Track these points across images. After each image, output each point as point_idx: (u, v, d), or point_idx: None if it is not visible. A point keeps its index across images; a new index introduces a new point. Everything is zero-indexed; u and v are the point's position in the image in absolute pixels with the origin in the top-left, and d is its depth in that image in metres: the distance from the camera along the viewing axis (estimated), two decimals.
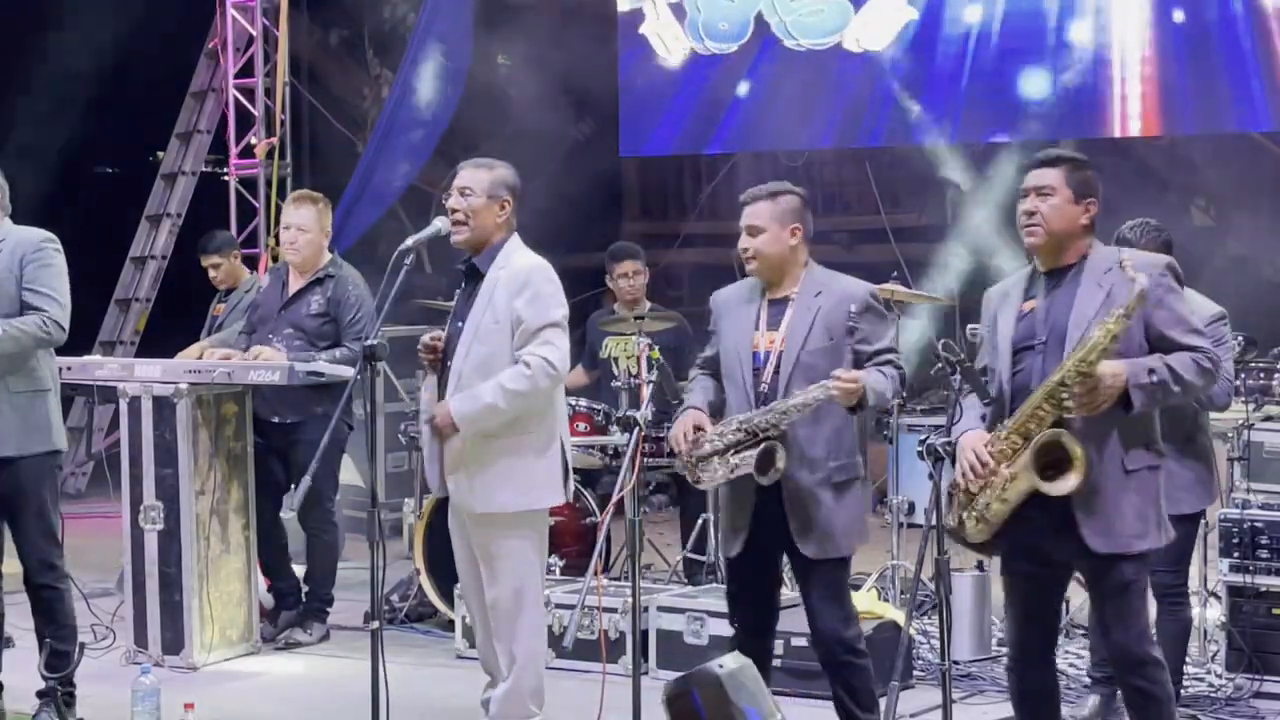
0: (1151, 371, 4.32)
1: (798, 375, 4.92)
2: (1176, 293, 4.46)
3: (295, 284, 7.09)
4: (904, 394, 5.12)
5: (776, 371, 4.96)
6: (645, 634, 6.34)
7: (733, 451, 4.92)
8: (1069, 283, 4.50)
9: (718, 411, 5.08)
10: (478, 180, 5.33)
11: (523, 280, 5.25)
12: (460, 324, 5.31)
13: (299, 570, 7.34)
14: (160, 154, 12.43)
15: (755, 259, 5.06)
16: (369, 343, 4.85)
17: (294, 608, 7.18)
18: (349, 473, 9.64)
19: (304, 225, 7.02)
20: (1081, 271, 4.50)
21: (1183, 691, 5.77)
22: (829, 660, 5.05)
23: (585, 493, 7.20)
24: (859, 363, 4.93)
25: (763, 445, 4.86)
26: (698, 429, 5.00)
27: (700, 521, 7.50)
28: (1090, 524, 4.37)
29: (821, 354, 4.93)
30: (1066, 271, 4.52)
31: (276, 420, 6.99)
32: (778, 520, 4.93)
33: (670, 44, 10.79)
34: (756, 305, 5.09)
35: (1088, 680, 5.81)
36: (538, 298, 5.24)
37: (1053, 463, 4.35)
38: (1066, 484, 4.32)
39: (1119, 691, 5.79)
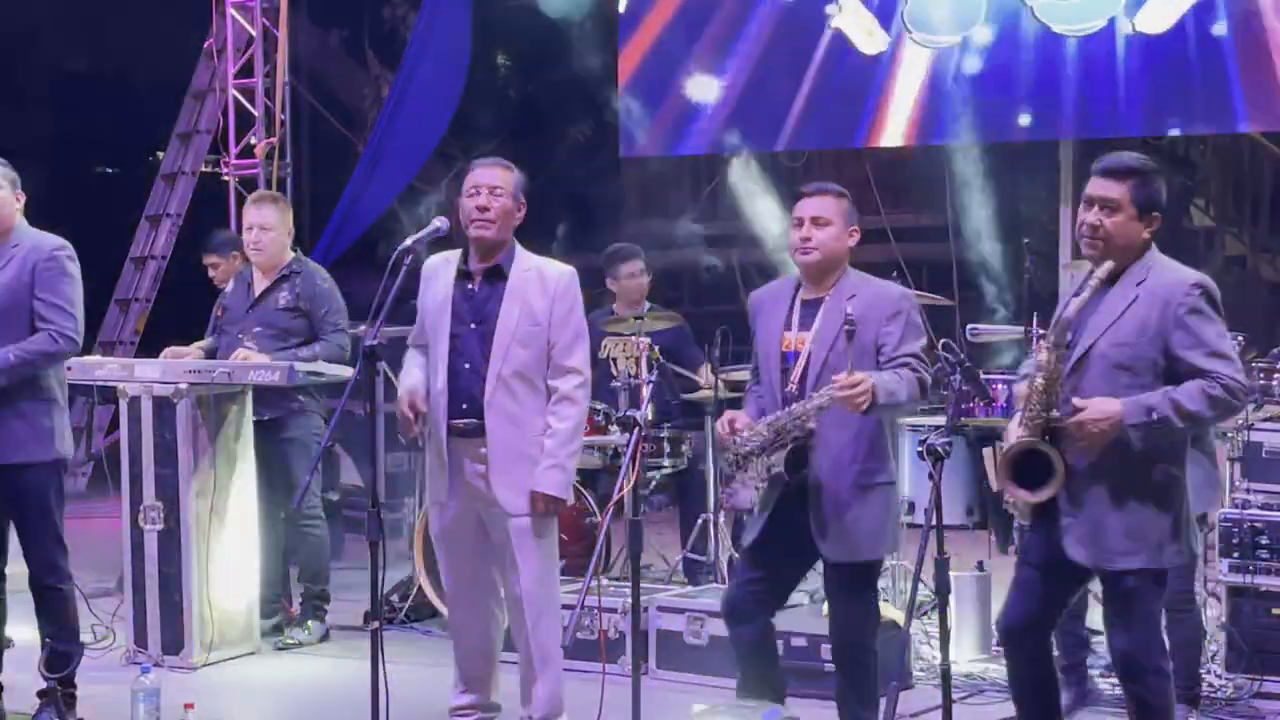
0: (1151, 410, 4.27)
1: (826, 376, 4.86)
2: (1202, 313, 4.35)
3: (261, 283, 7.10)
4: (925, 400, 5.05)
5: (804, 373, 4.94)
6: (645, 634, 6.34)
7: (766, 452, 4.90)
8: (1107, 289, 4.45)
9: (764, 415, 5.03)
10: (506, 180, 5.35)
11: (564, 285, 5.34)
12: (473, 325, 5.32)
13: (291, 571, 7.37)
14: (160, 154, 12.44)
15: (818, 249, 4.97)
16: (369, 343, 4.84)
17: (272, 615, 7.19)
18: (349, 473, 9.67)
19: (267, 224, 7.04)
20: (1120, 281, 4.43)
21: (1199, 695, 5.77)
22: (837, 654, 5.08)
23: (585, 493, 7.20)
24: (878, 366, 4.88)
25: (790, 446, 4.87)
26: (735, 427, 4.95)
27: (700, 521, 7.50)
28: (1075, 533, 4.39)
29: (848, 356, 4.85)
30: (1117, 276, 4.45)
31: (255, 419, 6.99)
32: (799, 521, 4.92)
33: (866, 37, 9.80)
34: (788, 304, 5.05)
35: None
36: (575, 306, 5.36)
37: (1039, 468, 4.38)
38: (1040, 494, 4.36)
39: (1086, 676, 5.84)
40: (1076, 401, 4.31)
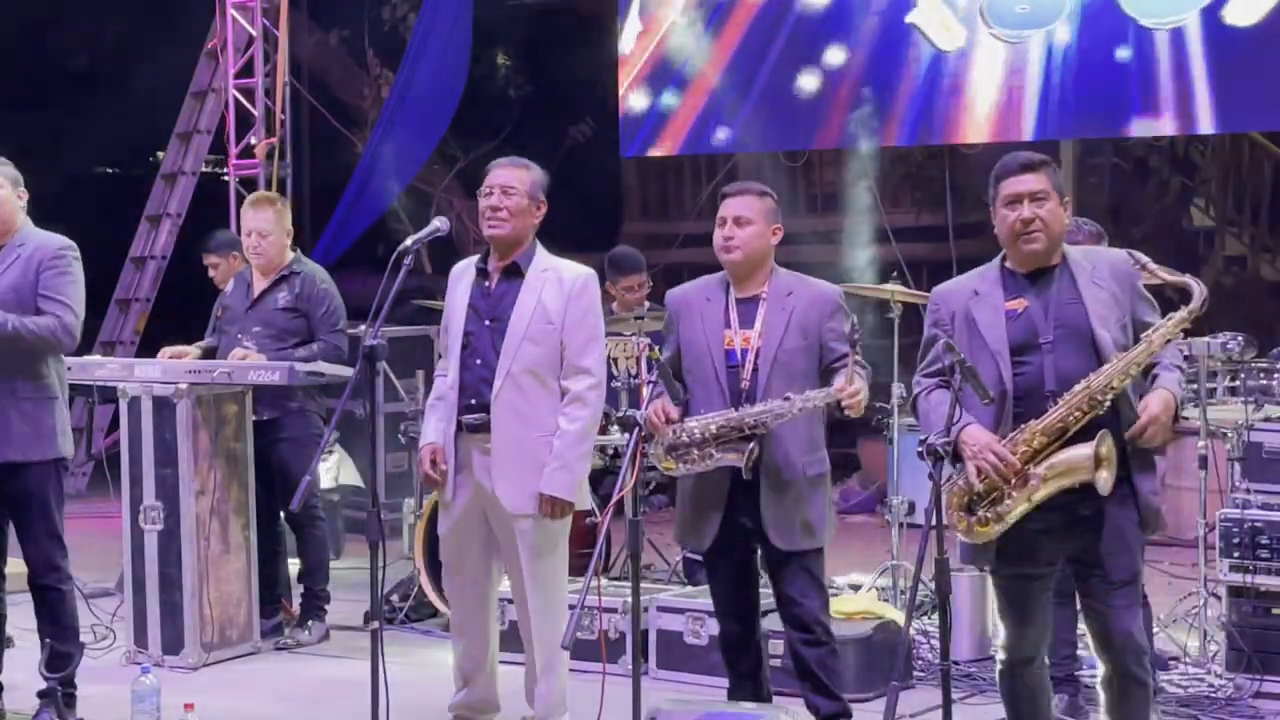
0: (1179, 381, 4.45)
1: (776, 374, 5.04)
2: (1139, 277, 4.59)
3: (260, 284, 7.11)
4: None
5: (755, 370, 5.06)
6: (645, 634, 6.34)
7: (715, 445, 4.99)
8: (1058, 281, 4.53)
9: (682, 408, 5.15)
10: (520, 179, 5.38)
11: (581, 286, 5.35)
12: (488, 322, 5.33)
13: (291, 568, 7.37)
14: (160, 154, 12.43)
15: (740, 249, 5.13)
16: (369, 343, 4.85)
17: (273, 616, 7.18)
18: (349, 473, 9.66)
19: (264, 229, 7.04)
20: (1067, 271, 4.54)
21: (1164, 677, 5.80)
22: (808, 643, 5.14)
23: (585, 493, 7.18)
24: (827, 362, 5.07)
25: (753, 441, 4.96)
26: (672, 416, 5.09)
27: None
28: (1133, 505, 4.46)
29: (797, 353, 5.07)
30: (1050, 271, 4.56)
31: (254, 419, 6.98)
32: (751, 514, 5.06)
33: (943, 32, 9.62)
34: (723, 303, 5.17)
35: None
36: (591, 308, 5.38)
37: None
38: (1108, 481, 4.37)
39: (1079, 689, 5.84)
40: (1143, 422, 4.36)
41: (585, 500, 5.53)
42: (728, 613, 5.30)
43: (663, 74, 10.68)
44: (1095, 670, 5.97)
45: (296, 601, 7.30)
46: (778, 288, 5.15)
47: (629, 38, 10.83)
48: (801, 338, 5.07)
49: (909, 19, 9.72)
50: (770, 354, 5.06)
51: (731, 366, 5.10)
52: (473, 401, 5.32)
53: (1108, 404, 4.39)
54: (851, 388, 4.87)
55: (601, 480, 7.40)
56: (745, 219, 5.13)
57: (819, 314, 5.09)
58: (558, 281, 5.33)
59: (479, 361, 5.32)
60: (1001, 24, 9.37)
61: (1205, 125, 9.16)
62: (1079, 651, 5.95)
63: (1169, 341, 4.42)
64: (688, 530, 5.29)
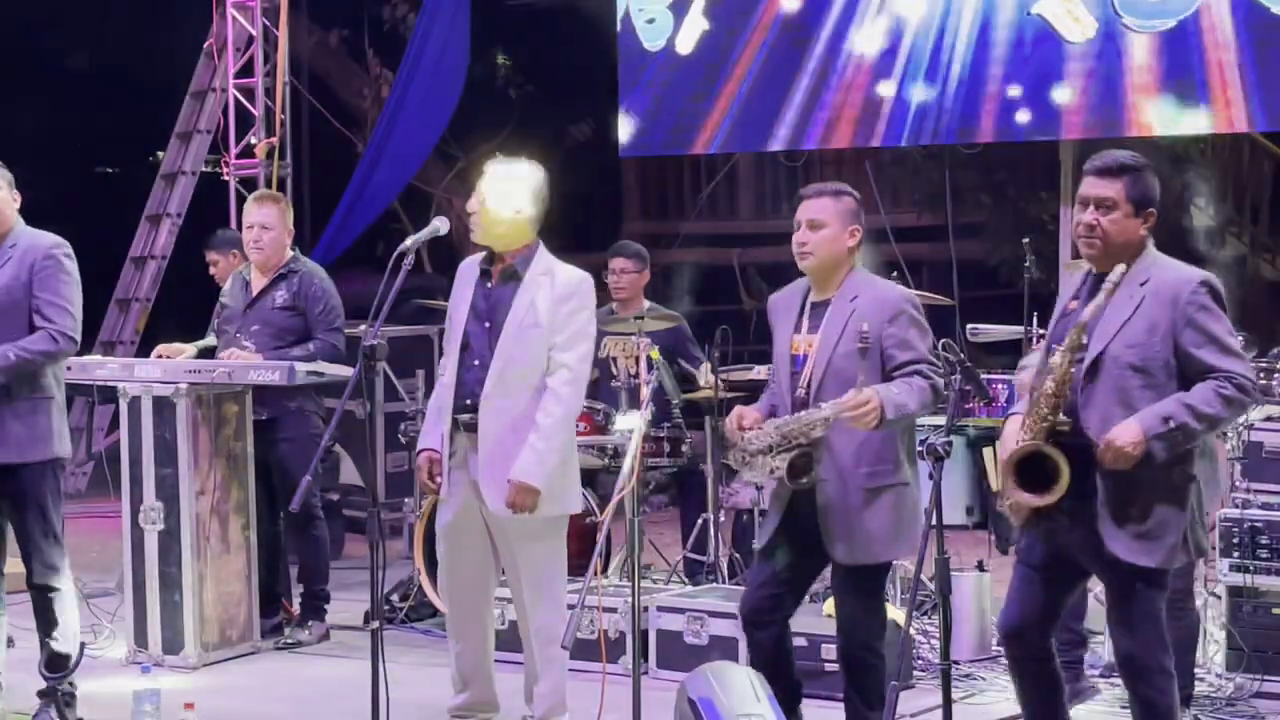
0: (1168, 419, 4.24)
1: (830, 380, 4.91)
2: (1209, 310, 4.33)
3: (259, 282, 7.11)
4: (938, 403, 4.99)
5: (810, 376, 4.96)
6: (645, 634, 6.35)
7: (772, 454, 4.91)
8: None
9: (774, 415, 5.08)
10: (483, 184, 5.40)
11: (571, 289, 5.33)
12: (487, 324, 5.34)
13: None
14: (160, 154, 12.44)
15: (813, 254, 5.01)
16: (369, 343, 4.85)
17: (273, 615, 7.18)
18: (349, 473, 9.67)
19: (268, 223, 7.04)
20: (1125, 279, 4.40)
21: (1192, 695, 5.75)
22: (844, 656, 5.10)
23: (585, 493, 7.19)
24: (886, 372, 4.89)
25: (794, 453, 4.87)
26: (744, 424, 5.00)
27: (700, 521, 7.50)
28: (1118, 530, 4.34)
29: (852, 358, 4.89)
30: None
31: (252, 418, 6.97)
32: (809, 522, 4.95)
33: (1072, 24, 9.06)
34: (799, 307, 5.09)
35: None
36: (581, 309, 5.34)
37: (1042, 471, 4.35)
38: (1046, 497, 4.33)
39: (1081, 673, 5.83)
40: (1105, 439, 4.27)
41: (576, 500, 5.50)
42: (745, 612, 5.18)
43: (666, 73, 10.67)
44: (1095, 666, 6.05)
45: (296, 601, 7.30)
46: (846, 291, 5.00)
47: (629, 37, 10.82)
48: (858, 343, 4.90)
49: (1035, 10, 9.24)
50: (825, 359, 4.93)
51: (795, 373, 5.01)
52: (467, 401, 5.34)
53: (1046, 416, 4.34)
54: (852, 401, 4.73)
55: (601, 480, 7.41)
56: (819, 222, 5.00)
57: (878, 319, 4.90)
58: (551, 284, 5.34)
59: (476, 362, 5.34)
60: (1133, 14, 8.91)
61: None
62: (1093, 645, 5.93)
63: (1068, 363, 4.31)
64: (760, 528, 5.22)
